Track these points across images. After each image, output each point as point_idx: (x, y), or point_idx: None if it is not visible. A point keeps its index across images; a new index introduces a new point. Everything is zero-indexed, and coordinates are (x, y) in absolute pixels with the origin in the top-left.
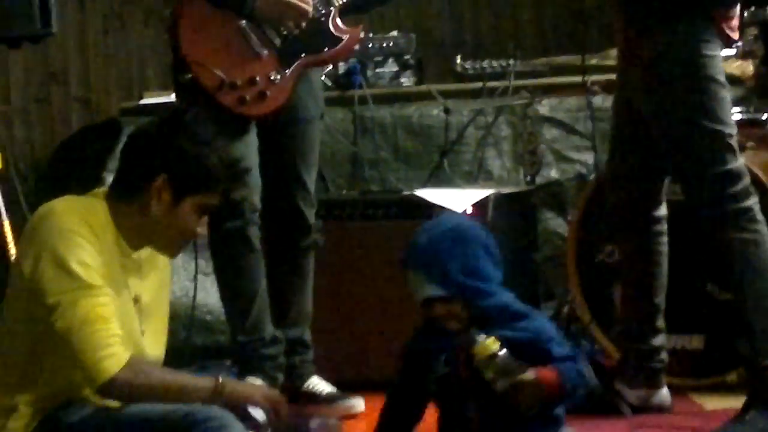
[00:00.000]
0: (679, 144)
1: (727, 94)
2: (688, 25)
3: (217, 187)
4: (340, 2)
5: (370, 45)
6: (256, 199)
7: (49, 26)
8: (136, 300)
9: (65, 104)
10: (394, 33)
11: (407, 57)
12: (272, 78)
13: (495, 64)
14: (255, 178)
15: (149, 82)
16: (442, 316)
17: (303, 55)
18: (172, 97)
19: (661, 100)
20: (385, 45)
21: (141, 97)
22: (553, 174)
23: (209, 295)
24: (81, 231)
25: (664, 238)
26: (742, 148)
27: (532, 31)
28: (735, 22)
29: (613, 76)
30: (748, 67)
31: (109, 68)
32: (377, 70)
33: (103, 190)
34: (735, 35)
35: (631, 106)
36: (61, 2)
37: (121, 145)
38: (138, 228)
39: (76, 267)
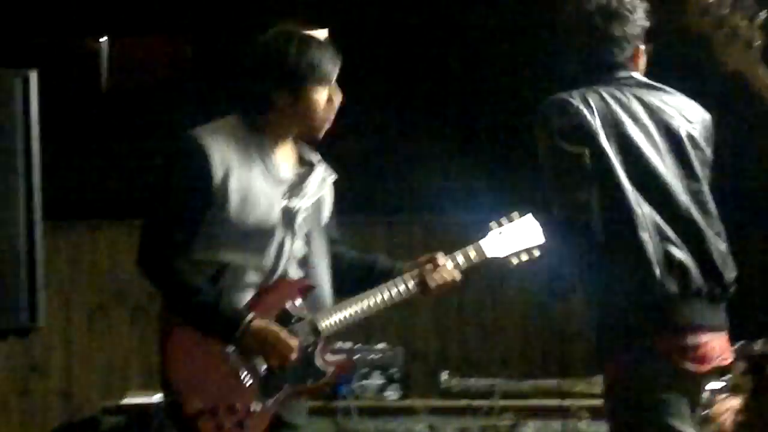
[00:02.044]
0: None
1: None
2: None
3: None
4: (328, 333)
5: (356, 357)
6: None
7: (36, 320)
8: None
9: (46, 398)
10: (381, 345)
11: (393, 370)
12: (252, 409)
13: (481, 382)
14: None
15: (132, 381)
16: None
17: (286, 385)
18: (155, 398)
19: None
20: (371, 357)
21: (123, 396)
22: None
23: None
24: None
25: None
26: None
27: (518, 350)
28: (700, 352)
29: (598, 402)
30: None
31: (92, 364)
32: (362, 382)
33: None
34: (701, 367)
35: None
36: (46, 294)
37: None
38: None
39: None
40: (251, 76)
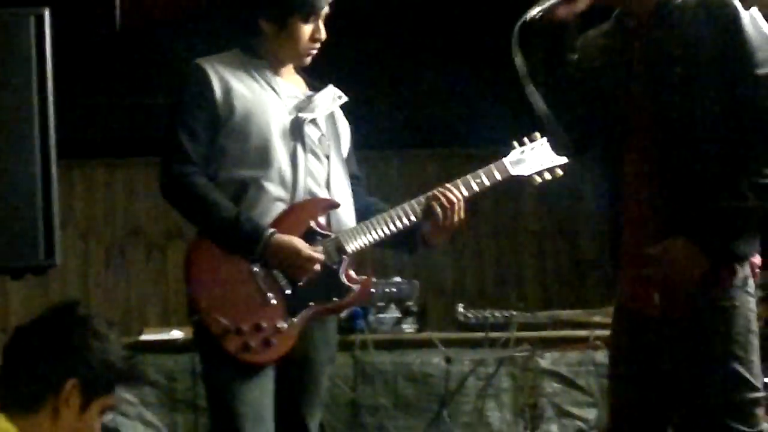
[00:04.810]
0: (699, 393)
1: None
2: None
3: (121, 385)
4: (353, 251)
5: (373, 290)
6: None
7: (53, 258)
8: None
9: None
10: (397, 279)
11: (410, 303)
12: (279, 326)
13: (497, 314)
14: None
15: (149, 318)
16: None
17: (311, 303)
18: (173, 334)
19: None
20: (387, 290)
21: (141, 332)
22: (554, 429)
23: None
24: None
25: None
26: None
27: (534, 282)
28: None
29: None
30: None
31: (109, 301)
32: (379, 315)
33: None
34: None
35: (637, 360)
36: (63, 233)
37: None
38: None
39: None
40: (242, 3)
